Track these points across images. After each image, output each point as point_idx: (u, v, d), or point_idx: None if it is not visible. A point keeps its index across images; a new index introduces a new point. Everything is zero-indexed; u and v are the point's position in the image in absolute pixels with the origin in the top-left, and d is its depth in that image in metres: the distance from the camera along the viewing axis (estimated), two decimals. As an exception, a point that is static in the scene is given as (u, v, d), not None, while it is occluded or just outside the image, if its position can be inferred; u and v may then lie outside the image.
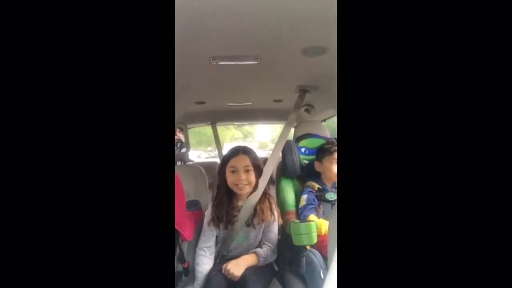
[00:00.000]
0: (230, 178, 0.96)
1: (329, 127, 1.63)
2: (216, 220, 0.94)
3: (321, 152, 1.12)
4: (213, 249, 0.96)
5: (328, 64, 0.89)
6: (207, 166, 1.67)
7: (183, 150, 1.52)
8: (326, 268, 0.80)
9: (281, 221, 1.05)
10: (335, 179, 1.06)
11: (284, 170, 1.19)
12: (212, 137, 2.16)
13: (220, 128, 2.42)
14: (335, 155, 1.06)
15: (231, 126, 6.32)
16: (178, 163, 1.48)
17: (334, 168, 1.06)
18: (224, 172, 0.98)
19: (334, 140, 1.15)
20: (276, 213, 1.00)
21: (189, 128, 1.92)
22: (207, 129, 2.63)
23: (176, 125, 1.53)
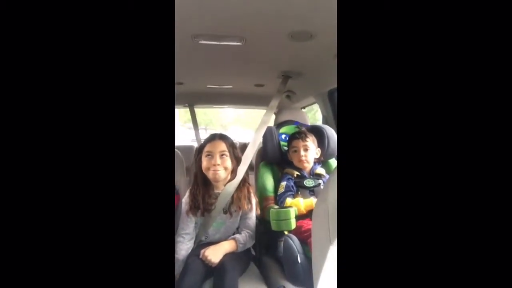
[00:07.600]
0: (205, 163, 0.94)
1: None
2: (194, 208, 0.93)
3: (289, 141, 1.13)
4: (192, 235, 0.95)
5: (314, 50, 0.87)
6: (185, 150, 1.62)
7: None
8: (304, 253, 0.82)
9: (258, 210, 1.05)
10: (302, 166, 1.08)
11: (264, 156, 1.18)
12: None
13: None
14: (300, 143, 1.08)
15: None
16: None
17: (297, 156, 1.07)
18: (200, 159, 0.96)
19: (305, 129, 1.15)
20: (253, 201, 1.00)
21: None
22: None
23: None
